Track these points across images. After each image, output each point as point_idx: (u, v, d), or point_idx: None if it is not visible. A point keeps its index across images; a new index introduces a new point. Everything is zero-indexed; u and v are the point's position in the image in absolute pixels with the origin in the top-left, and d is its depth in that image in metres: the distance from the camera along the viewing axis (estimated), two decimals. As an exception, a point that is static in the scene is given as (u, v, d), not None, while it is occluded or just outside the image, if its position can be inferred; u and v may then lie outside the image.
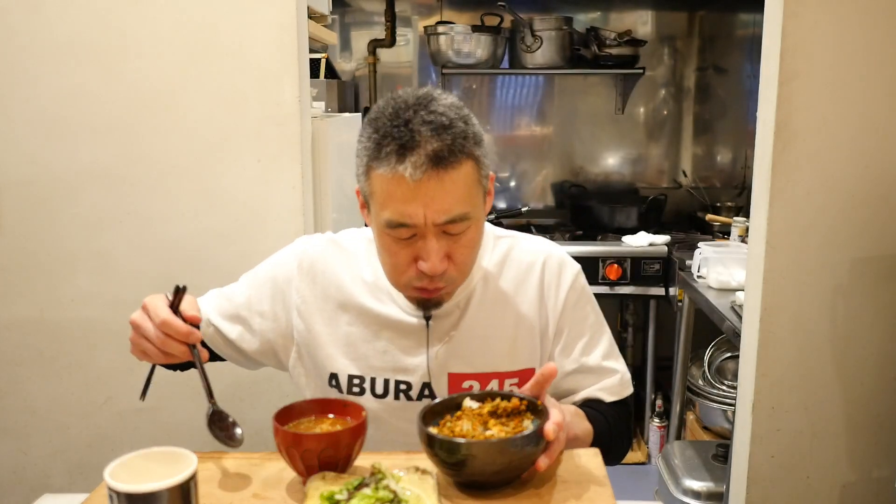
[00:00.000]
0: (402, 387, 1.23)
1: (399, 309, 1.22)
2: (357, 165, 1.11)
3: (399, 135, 1.03)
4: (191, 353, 1.07)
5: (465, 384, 1.22)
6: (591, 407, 1.25)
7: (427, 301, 1.15)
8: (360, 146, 1.10)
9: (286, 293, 1.26)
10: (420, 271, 1.09)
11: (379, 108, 1.08)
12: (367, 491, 0.92)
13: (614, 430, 1.25)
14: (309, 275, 1.26)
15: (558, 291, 1.25)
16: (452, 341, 1.22)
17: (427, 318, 1.21)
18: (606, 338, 1.30)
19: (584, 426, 1.17)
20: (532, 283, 1.25)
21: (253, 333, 1.28)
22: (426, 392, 1.23)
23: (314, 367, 1.26)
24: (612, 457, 1.25)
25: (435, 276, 1.09)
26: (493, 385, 1.22)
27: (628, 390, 1.30)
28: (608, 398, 1.28)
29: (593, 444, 1.17)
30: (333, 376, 1.24)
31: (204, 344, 1.28)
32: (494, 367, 1.22)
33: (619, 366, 1.30)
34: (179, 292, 1.08)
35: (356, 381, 1.24)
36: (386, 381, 1.23)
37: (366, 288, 1.24)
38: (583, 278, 1.29)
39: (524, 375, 1.23)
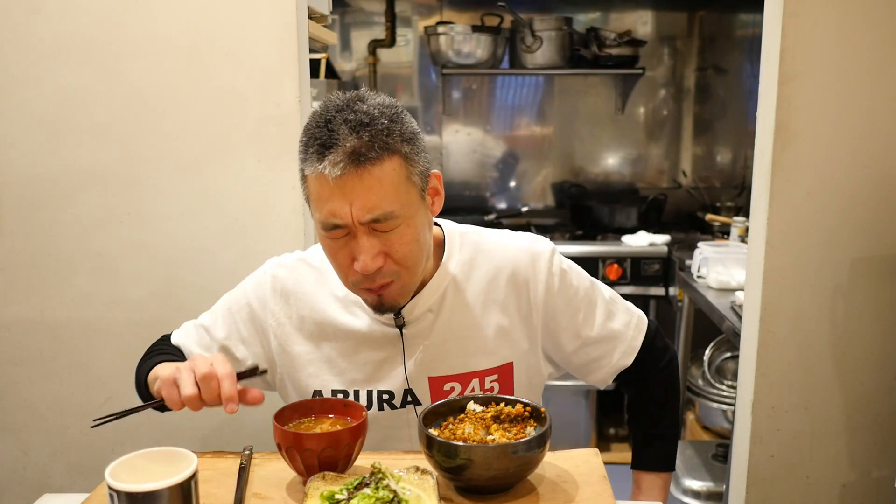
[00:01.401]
0: (385, 396, 1.23)
1: (372, 321, 1.22)
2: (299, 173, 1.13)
3: (320, 135, 1.05)
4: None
5: (446, 386, 1.23)
6: (634, 413, 1.40)
7: (379, 302, 1.14)
8: (298, 152, 1.11)
9: (262, 318, 1.27)
10: (357, 271, 1.09)
11: (313, 112, 1.10)
12: (367, 491, 0.93)
13: (663, 412, 1.38)
14: (282, 297, 1.26)
15: (536, 282, 1.24)
16: (429, 346, 1.22)
17: (400, 327, 1.21)
18: (600, 300, 1.30)
19: (659, 482, 1.35)
20: (503, 277, 1.24)
21: (238, 363, 1.27)
22: (409, 399, 1.23)
23: (296, 386, 1.27)
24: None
25: (370, 274, 1.08)
26: (475, 384, 1.23)
27: (640, 337, 1.32)
28: (628, 360, 1.31)
29: (669, 446, 1.38)
30: (317, 393, 1.24)
31: None
32: (474, 366, 1.23)
33: (621, 321, 1.31)
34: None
35: (339, 395, 1.24)
36: (369, 393, 1.23)
37: (339, 304, 1.24)
38: (557, 258, 1.27)
39: (503, 371, 1.24)
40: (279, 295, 1.26)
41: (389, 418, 1.23)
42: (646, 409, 1.39)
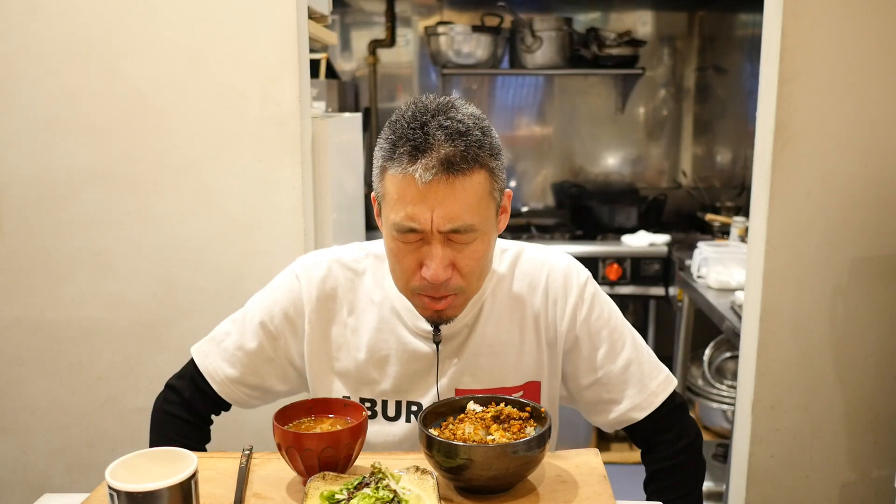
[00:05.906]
0: (413, 408, 1.22)
1: (409, 333, 1.20)
2: (373, 168, 1.10)
3: (414, 137, 1.02)
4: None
5: None
6: (653, 481, 1.24)
7: (437, 315, 1.12)
8: (377, 148, 1.09)
9: (296, 323, 1.22)
10: (424, 278, 1.07)
11: (400, 111, 1.08)
12: (367, 491, 0.93)
13: (685, 481, 1.23)
14: (319, 301, 1.21)
15: (565, 305, 1.21)
16: (461, 359, 1.20)
17: (437, 343, 1.19)
18: (628, 343, 1.23)
19: None
20: (537, 296, 1.22)
21: (284, 371, 1.25)
22: None
23: (326, 392, 1.24)
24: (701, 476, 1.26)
25: (438, 284, 1.07)
26: None
27: (661, 396, 1.22)
28: (639, 415, 1.22)
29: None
30: (346, 398, 1.21)
31: (223, 404, 1.26)
32: (501, 381, 1.21)
33: (645, 373, 1.23)
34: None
35: (367, 404, 1.22)
36: (398, 404, 1.22)
37: (375, 310, 1.21)
38: (592, 287, 1.24)
39: (529, 388, 1.22)
40: (315, 300, 1.21)
41: (414, 431, 1.21)
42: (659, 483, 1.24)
